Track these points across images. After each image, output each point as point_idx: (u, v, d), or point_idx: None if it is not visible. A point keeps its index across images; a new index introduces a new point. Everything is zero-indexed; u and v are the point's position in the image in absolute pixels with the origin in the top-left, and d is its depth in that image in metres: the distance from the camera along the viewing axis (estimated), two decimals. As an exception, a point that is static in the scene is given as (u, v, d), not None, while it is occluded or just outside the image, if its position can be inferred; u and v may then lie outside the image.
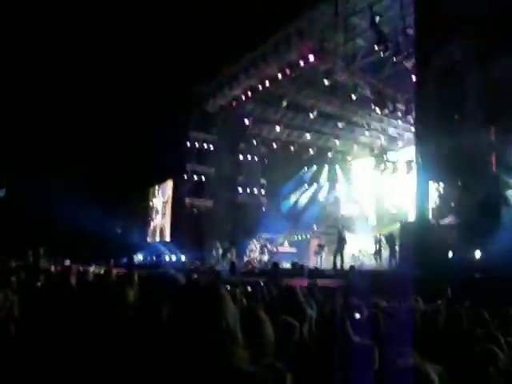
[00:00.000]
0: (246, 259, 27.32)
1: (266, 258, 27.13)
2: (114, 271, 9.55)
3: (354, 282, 14.97)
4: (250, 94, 26.79)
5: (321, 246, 24.85)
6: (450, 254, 14.13)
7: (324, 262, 24.09)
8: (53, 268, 14.24)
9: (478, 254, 13.65)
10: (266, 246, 28.14)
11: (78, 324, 3.20)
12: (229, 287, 9.25)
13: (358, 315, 6.00)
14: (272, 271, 18.54)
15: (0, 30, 24.35)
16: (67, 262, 19.18)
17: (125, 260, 25.94)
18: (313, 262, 23.77)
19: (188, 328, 1.96)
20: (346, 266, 19.64)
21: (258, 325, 2.91)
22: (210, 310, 1.99)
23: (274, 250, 28.56)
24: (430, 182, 16.70)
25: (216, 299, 2.04)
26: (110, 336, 2.77)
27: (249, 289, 9.62)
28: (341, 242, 21.45)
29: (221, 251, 28.42)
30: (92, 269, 13.03)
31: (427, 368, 2.11)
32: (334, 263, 20.77)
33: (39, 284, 7.66)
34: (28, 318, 4.53)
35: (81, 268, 10.30)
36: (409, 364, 2.20)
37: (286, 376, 2.41)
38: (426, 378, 2.07)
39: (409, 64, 20.00)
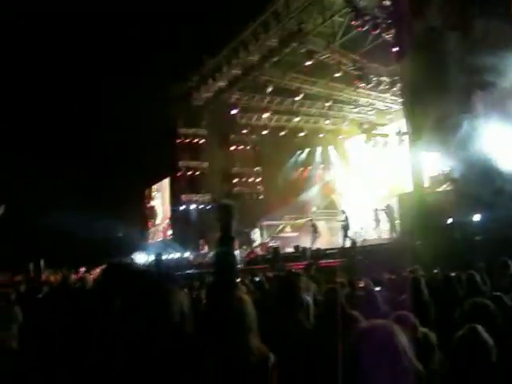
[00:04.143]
0: (248, 248, 27.27)
1: (269, 244, 27.06)
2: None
3: (356, 259, 15.03)
4: (234, 83, 26.69)
5: (314, 226, 24.63)
6: (449, 220, 14.14)
7: (319, 242, 23.84)
8: (55, 278, 14.25)
9: (476, 217, 13.67)
10: (268, 234, 28.12)
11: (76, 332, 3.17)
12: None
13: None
14: (274, 257, 18.57)
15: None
16: (82, 269, 19.20)
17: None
18: (315, 243, 23.65)
19: (138, 322, 1.98)
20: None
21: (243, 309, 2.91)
22: (158, 305, 2.02)
23: (277, 235, 28.53)
24: (424, 152, 16.71)
25: (164, 294, 2.06)
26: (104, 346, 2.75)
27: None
28: (346, 222, 21.35)
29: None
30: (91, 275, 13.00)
31: (393, 327, 2.06)
32: (344, 243, 20.55)
33: (40, 296, 7.61)
34: (28, 330, 4.51)
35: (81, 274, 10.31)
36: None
37: (270, 357, 2.41)
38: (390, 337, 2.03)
39: (389, 36, 19.95)
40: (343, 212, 22.16)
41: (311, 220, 25.45)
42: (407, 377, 1.90)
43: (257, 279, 8.39)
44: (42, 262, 7.97)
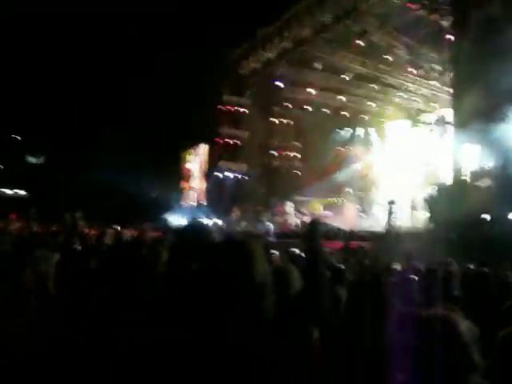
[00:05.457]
0: (281, 222, 27.33)
1: (300, 221, 27.04)
2: (151, 234, 9.68)
3: (390, 244, 15.02)
4: (283, 56, 26.57)
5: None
6: (486, 216, 14.02)
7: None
8: (91, 231, 14.55)
9: (514, 215, 13.55)
10: (301, 209, 28.05)
11: (112, 284, 3.25)
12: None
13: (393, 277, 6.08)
14: (311, 235, 18.52)
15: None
16: (117, 227, 19.40)
17: (161, 223, 26.24)
18: (348, 225, 23.57)
19: (218, 283, 1.98)
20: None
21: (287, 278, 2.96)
22: (242, 266, 1.99)
23: (309, 213, 28.49)
24: (467, 144, 16.49)
25: (248, 255, 2.03)
26: (140, 297, 2.80)
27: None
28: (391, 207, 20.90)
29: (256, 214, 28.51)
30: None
31: (456, 317, 2.14)
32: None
33: (76, 247, 7.78)
34: (65, 278, 4.65)
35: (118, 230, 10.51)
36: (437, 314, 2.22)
37: (313, 331, 2.45)
38: (453, 327, 2.10)
39: (445, 23, 19.61)
40: (392, 202, 21.36)
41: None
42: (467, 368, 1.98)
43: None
44: (78, 214, 8.08)
